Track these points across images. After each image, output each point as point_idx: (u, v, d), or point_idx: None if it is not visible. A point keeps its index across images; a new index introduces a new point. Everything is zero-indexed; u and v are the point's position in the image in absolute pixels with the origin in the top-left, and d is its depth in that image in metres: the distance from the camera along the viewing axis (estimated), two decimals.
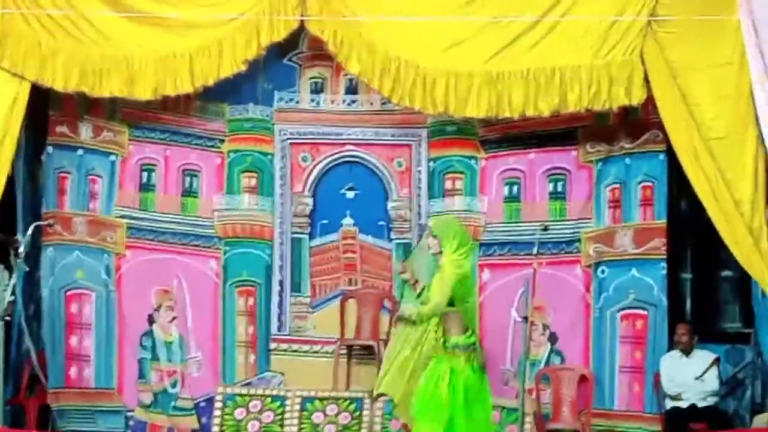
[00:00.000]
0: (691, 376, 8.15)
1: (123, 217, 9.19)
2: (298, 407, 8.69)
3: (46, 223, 8.75)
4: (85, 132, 9.13)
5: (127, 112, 9.12)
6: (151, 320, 9.15)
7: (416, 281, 8.37)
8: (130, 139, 9.25)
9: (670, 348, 8.38)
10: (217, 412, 8.70)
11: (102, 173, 9.18)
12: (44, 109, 8.98)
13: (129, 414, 9.01)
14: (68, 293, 9.08)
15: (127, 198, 9.22)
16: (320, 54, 8.92)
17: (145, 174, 9.29)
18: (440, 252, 6.69)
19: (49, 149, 9.09)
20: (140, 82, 8.30)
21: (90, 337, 9.06)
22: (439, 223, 7.18)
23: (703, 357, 8.25)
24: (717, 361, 8.27)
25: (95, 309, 9.08)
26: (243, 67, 8.35)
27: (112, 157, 9.21)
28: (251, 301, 9.31)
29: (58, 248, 9.04)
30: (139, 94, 8.37)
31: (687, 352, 8.23)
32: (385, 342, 8.86)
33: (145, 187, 9.28)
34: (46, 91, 8.66)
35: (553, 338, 8.91)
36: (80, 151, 9.14)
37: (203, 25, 8.39)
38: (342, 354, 9.02)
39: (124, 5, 8.36)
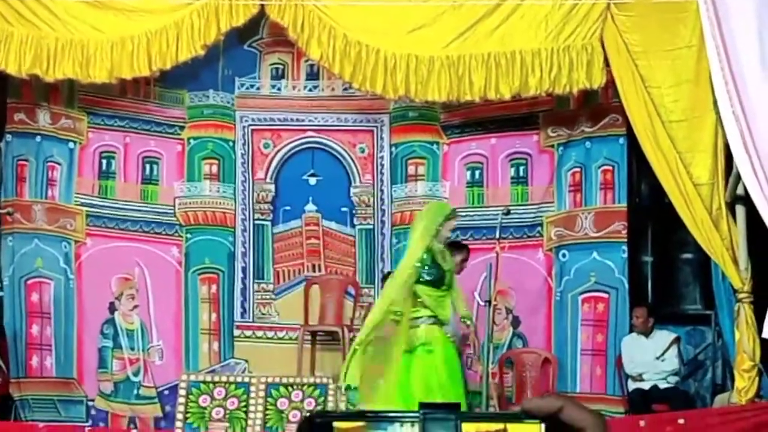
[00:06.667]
0: (652, 356, 8.20)
1: (83, 204, 9.12)
2: (262, 393, 8.65)
3: (5, 211, 8.68)
4: (43, 119, 9.05)
5: (85, 99, 9.04)
6: (112, 308, 9.09)
7: None
8: (89, 127, 9.17)
9: (632, 330, 8.44)
10: (181, 400, 8.64)
11: (61, 160, 9.10)
12: (2, 96, 8.90)
13: (90, 403, 8.96)
14: (28, 282, 9.01)
15: (87, 185, 9.15)
16: (280, 40, 8.86)
17: (104, 161, 9.22)
18: None
19: (8, 137, 9.02)
20: (95, 64, 8.18)
21: (50, 326, 9.01)
22: None
23: (663, 337, 8.31)
24: (677, 340, 8.33)
25: (54, 297, 9.01)
26: (201, 52, 8.27)
27: (71, 145, 9.13)
28: (214, 288, 9.27)
29: (17, 237, 8.97)
30: (95, 77, 8.25)
31: (645, 334, 8.28)
32: (349, 327, 8.87)
33: (105, 175, 9.20)
34: (4, 79, 8.57)
35: (515, 322, 8.95)
36: (38, 138, 9.06)
37: (161, 10, 8.32)
38: (306, 340, 9.00)
39: None
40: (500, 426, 1.01)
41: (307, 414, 1.03)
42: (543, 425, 1.01)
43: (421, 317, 7.11)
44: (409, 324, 7.01)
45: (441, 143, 9.24)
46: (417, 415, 1.01)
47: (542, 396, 1.03)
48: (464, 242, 8.53)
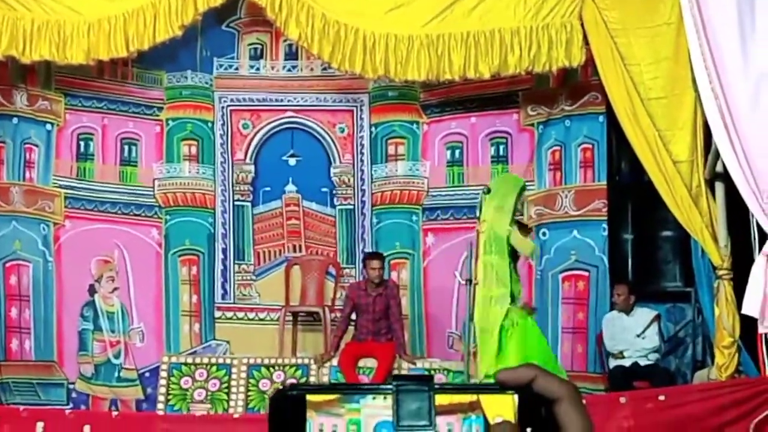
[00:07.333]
0: (633, 334, 8.22)
1: (61, 186, 9.08)
2: (244, 375, 8.65)
3: None
4: (20, 100, 8.99)
5: (62, 81, 9.00)
6: (92, 291, 9.06)
7: None
8: (66, 108, 9.13)
9: (612, 308, 8.46)
10: (163, 382, 8.64)
11: (38, 142, 9.05)
12: None
13: (71, 386, 8.94)
14: (7, 265, 8.96)
15: (65, 167, 9.11)
16: (259, 20, 8.83)
17: (82, 143, 9.18)
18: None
19: None
20: (72, 45, 8.11)
21: (29, 308, 8.97)
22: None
23: (643, 314, 8.32)
24: (657, 317, 8.35)
25: (33, 280, 8.98)
26: (179, 32, 8.20)
27: (49, 126, 9.09)
28: (194, 269, 9.26)
29: None
30: (72, 58, 8.18)
31: (626, 311, 8.31)
32: (330, 308, 8.87)
33: (83, 157, 9.17)
34: None
35: None
36: (15, 120, 9.00)
37: None
38: (287, 321, 9.00)
39: None
40: (473, 397, 1.01)
41: (280, 387, 1.02)
42: (516, 396, 1.01)
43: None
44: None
45: (421, 123, 9.23)
46: (390, 387, 1.01)
47: (515, 367, 1.02)
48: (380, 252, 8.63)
